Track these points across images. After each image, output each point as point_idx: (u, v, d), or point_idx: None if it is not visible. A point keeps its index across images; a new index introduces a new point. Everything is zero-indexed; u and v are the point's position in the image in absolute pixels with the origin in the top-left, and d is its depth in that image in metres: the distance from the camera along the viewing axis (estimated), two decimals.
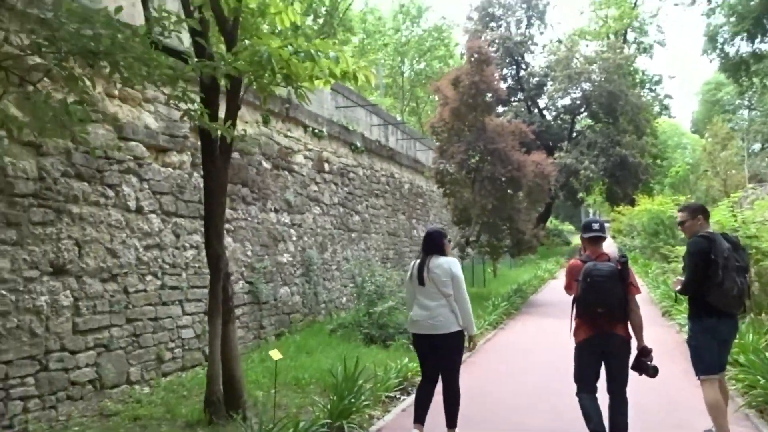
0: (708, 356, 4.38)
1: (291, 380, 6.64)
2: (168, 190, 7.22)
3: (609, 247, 5.14)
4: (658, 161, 42.06)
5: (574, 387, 4.47)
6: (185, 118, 4.25)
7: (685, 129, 72.34)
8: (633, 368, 4.27)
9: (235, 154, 8.93)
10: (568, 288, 4.63)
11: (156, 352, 6.73)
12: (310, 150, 11.96)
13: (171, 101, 4.28)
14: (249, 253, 9.03)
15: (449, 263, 4.71)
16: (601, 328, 4.21)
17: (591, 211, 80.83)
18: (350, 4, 29.08)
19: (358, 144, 15.51)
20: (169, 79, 3.82)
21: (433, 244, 4.80)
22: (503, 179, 13.81)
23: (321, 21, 26.80)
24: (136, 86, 4.13)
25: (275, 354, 4.85)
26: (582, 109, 36.21)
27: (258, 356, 7.92)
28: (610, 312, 4.15)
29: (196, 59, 4.63)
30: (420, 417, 4.68)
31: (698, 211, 4.61)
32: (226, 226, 8.41)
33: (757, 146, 43.18)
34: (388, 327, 9.07)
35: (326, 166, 12.82)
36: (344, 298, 12.79)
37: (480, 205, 13.98)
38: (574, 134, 37.47)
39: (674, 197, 23.93)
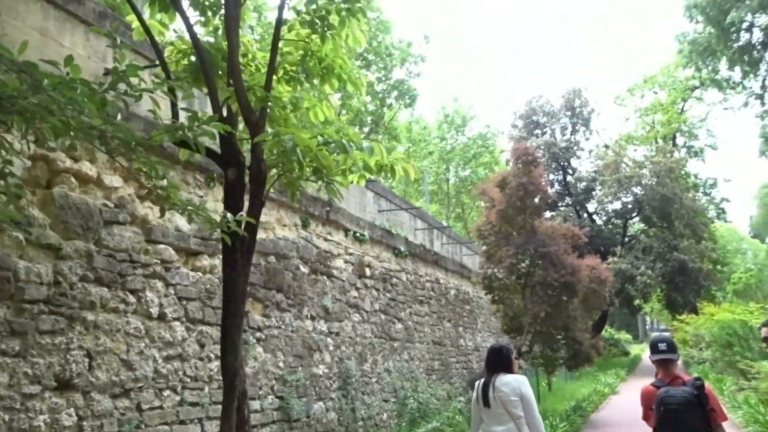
0: None
1: None
2: (195, 295, 6.78)
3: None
4: (719, 267, 39.94)
5: None
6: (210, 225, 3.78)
7: (744, 233, 69.75)
8: None
9: (272, 258, 8.54)
10: (646, 419, 4.18)
11: None
12: (350, 254, 11.51)
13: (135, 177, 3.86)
14: (281, 364, 8.35)
15: (518, 381, 4.36)
16: None
17: (648, 320, 77.10)
18: (396, 112, 29.86)
19: (402, 248, 15.03)
20: (124, 146, 3.29)
21: (500, 361, 4.47)
22: (556, 285, 12.92)
23: (366, 130, 27.47)
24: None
25: None
26: (634, 214, 35.17)
27: None
28: None
29: (220, 153, 4.30)
30: None
31: None
32: (257, 334, 7.85)
33: None
34: None
35: (367, 271, 12.29)
36: (384, 415, 11.74)
37: (532, 312, 13.03)
38: (627, 239, 36.19)
39: (745, 304, 22.22)
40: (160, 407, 5.97)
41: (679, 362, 5.25)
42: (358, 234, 11.73)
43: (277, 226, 8.88)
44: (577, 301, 14.21)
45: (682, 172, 35.78)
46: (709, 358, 18.23)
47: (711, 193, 39.23)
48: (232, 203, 4.27)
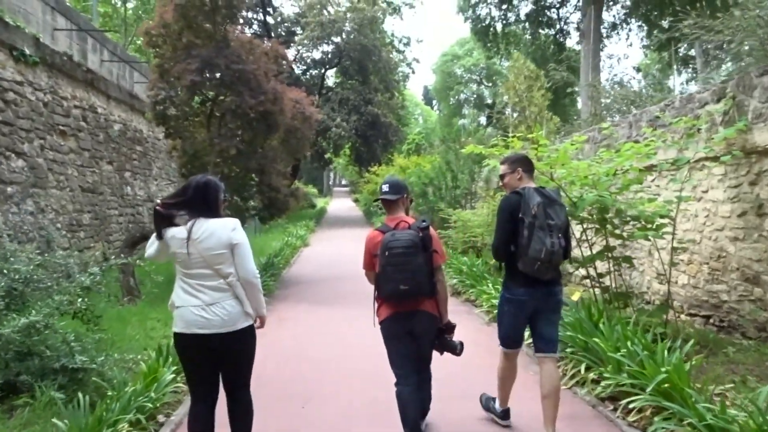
0: (510, 329, 3.90)
1: None
2: None
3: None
4: (400, 126, 42.15)
5: None
6: None
7: (419, 100, 76.71)
8: (436, 348, 3.80)
9: None
10: (368, 267, 3.76)
11: None
12: None
13: None
14: None
15: (227, 227, 3.25)
16: (405, 306, 3.58)
17: (332, 175, 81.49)
18: None
19: (27, 51, 10.04)
20: None
21: (205, 199, 3.27)
22: (253, 115, 9.86)
23: None
24: None
25: None
26: (335, 62, 33.63)
27: None
28: (415, 288, 3.49)
29: None
30: None
31: (518, 163, 3.94)
32: None
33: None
34: (34, 358, 4.61)
35: None
36: None
37: (219, 149, 9.85)
38: (324, 90, 34.88)
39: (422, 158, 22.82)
40: None
41: (404, 207, 3.90)
42: None
43: None
44: (277, 141, 11.47)
45: (381, 27, 35.22)
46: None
47: (404, 51, 39.95)
48: None
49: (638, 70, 27.48)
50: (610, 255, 5.66)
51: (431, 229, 3.64)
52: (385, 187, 3.80)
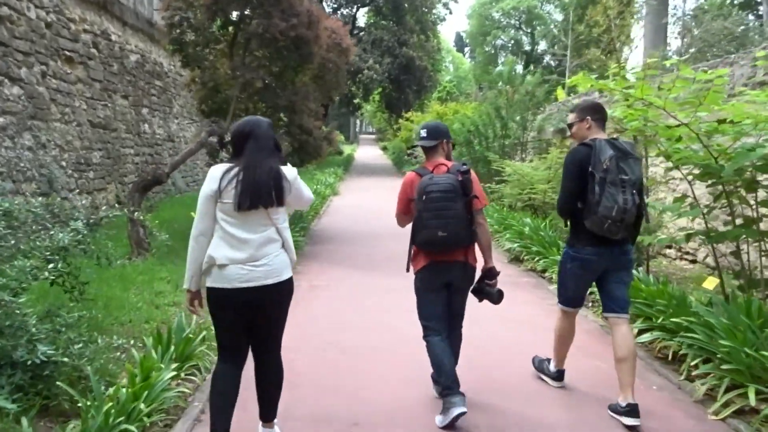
0: (573, 288, 3.65)
1: None
2: None
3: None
4: (435, 71, 39.94)
5: None
6: None
7: (450, 46, 73.52)
8: (474, 292, 3.53)
9: None
10: (403, 213, 3.57)
11: None
12: None
13: None
14: None
15: (293, 174, 2.93)
16: (443, 255, 3.37)
17: (358, 122, 79.45)
18: None
19: None
20: None
21: (264, 142, 2.89)
22: (283, 42, 8.37)
23: None
24: None
25: None
26: (367, 0, 31.53)
27: None
28: (453, 235, 3.28)
29: None
30: (223, 423, 2.75)
31: (587, 111, 3.57)
32: None
33: None
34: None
35: None
36: None
37: (243, 82, 8.44)
38: (356, 30, 32.88)
39: (460, 105, 21.00)
40: None
41: (445, 153, 3.51)
42: None
43: None
44: (309, 76, 10.02)
45: None
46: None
47: None
48: None
49: None
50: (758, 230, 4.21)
51: (472, 172, 3.43)
52: (423, 132, 3.59)
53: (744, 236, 4.21)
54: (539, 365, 4.08)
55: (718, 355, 3.59)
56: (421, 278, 3.48)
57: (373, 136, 70.65)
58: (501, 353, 4.57)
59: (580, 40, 14.71)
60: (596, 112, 3.57)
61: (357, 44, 29.82)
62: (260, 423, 3.06)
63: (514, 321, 5.35)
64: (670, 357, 4.21)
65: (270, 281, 2.78)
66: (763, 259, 4.62)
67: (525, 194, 9.72)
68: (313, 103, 9.86)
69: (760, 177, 4.25)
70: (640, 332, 4.60)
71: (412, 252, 3.51)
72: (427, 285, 3.45)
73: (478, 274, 3.52)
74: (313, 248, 9.20)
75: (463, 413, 3.21)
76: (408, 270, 3.55)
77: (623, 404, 3.33)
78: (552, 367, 3.94)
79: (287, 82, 9.18)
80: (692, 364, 3.87)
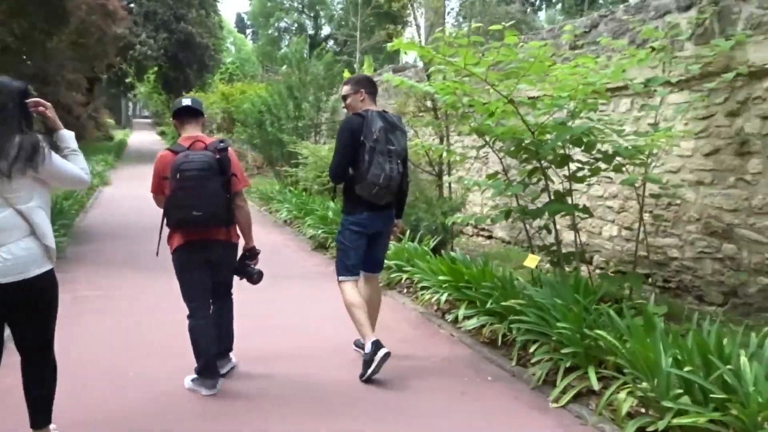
0: (353, 255, 3.73)
1: None
2: None
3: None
4: (215, 52, 37.77)
5: None
6: None
7: (231, 27, 70.68)
8: (234, 272, 3.56)
9: None
10: (156, 191, 3.45)
11: None
12: None
13: None
14: None
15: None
16: (199, 234, 3.29)
17: (131, 105, 72.36)
18: None
19: None
20: None
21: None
22: None
23: None
24: None
25: None
26: None
27: None
28: (209, 215, 3.20)
29: None
30: None
31: (361, 84, 3.78)
32: None
33: None
34: None
35: None
36: None
37: None
38: (126, 1, 29.51)
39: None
40: None
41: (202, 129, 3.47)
42: None
43: None
44: (67, 42, 8.32)
45: None
46: (246, 140, 15.02)
47: None
48: None
49: None
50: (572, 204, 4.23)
51: (230, 150, 3.39)
52: (186, 101, 3.51)
53: (562, 211, 4.18)
54: (360, 346, 3.95)
55: (554, 338, 3.44)
56: (178, 258, 3.37)
57: (150, 121, 64.95)
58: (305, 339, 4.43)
59: (370, 20, 14.72)
60: (370, 85, 3.79)
61: (128, 15, 26.86)
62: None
63: (322, 317, 4.82)
64: (499, 342, 4.04)
65: (11, 279, 2.37)
66: (573, 232, 4.72)
67: (324, 177, 9.28)
68: (73, 73, 8.21)
69: (570, 151, 4.27)
70: (465, 318, 4.39)
71: (167, 234, 3.39)
72: (187, 263, 3.35)
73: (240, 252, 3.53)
74: (78, 249, 7.71)
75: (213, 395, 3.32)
76: (158, 255, 3.52)
77: (369, 347, 3.52)
78: (368, 345, 3.61)
79: (36, 46, 7.45)
80: (526, 349, 3.71)
